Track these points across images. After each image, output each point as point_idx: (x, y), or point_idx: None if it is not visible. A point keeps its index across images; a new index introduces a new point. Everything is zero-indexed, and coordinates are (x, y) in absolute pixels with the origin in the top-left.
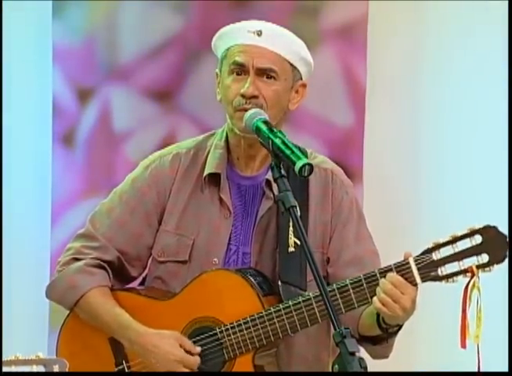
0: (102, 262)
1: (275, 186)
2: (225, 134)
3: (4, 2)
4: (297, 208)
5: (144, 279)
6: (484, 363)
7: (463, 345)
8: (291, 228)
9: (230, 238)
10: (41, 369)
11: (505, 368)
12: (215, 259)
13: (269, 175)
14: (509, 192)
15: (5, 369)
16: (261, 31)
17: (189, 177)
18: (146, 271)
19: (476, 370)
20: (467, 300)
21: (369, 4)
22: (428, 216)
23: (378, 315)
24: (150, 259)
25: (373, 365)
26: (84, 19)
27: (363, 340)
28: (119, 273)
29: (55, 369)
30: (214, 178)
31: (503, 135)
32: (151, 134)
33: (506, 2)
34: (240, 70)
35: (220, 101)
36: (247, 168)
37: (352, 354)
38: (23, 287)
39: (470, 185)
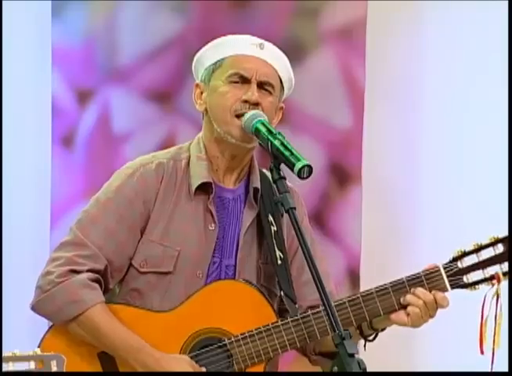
0: (99, 276)
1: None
2: (203, 146)
3: (3, 3)
4: (296, 210)
5: None
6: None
7: (482, 351)
8: (274, 240)
9: (214, 250)
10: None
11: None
12: (199, 272)
13: (257, 184)
14: (509, 192)
15: (2, 366)
16: (263, 45)
17: (172, 187)
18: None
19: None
20: (487, 306)
21: (368, 5)
22: (427, 217)
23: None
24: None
25: (372, 365)
26: (83, 20)
27: (322, 356)
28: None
29: (53, 364)
30: (201, 189)
31: (503, 135)
32: (150, 135)
33: (506, 2)
34: (240, 79)
35: (204, 110)
36: (225, 180)
37: (351, 356)
38: (22, 288)
39: (470, 186)
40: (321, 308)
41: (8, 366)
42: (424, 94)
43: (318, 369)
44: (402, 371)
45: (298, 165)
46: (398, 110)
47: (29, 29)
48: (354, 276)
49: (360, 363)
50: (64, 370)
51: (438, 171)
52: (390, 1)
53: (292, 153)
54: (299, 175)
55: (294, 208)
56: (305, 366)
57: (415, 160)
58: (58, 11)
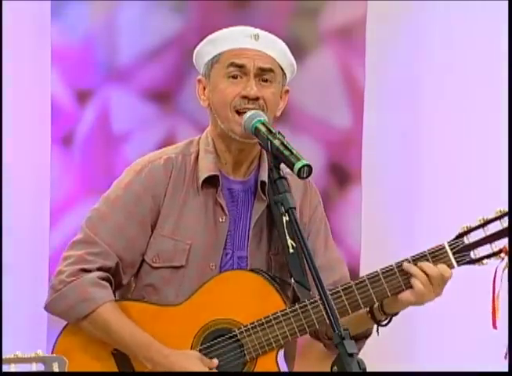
0: (108, 274)
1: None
2: (211, 140)
3: (3, 3)
4: (296, 210)
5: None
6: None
7: (495, 326)
8: (286, 230)
9: (226, 242)
10: (40, 367)
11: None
12: (212, 264)
13: (264, 177)
14: (509, 193)
15: (4, 367)
16: (258, 35)
17: (181, 181)
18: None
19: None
20: (499, 280)
21: (367, 5)
22: (426, 217)
23: (371, 307)
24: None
25: (372, 365)
26: (82, 19)
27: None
28: (113, 281)
29: (55, 366)
30: (209, 182)
31: (503, 136)
32: (150, 135)
33: (506, 2)
34: (238, 73)
35: (208, 106)
36: (235, 172)
37: (351, 355)
38: (22, 287)
39: (469, 186)
40: (328, 292)
41: (9, 368)
42: (424, 94)
43: (318, 368)
44: (403, 371)
45: (298, 165)
46: (398, 110)
47: (28, 28)
48: (354, 276)
49: (360, 362)
50: (66, 370)
51: (438, 171)
52: (389, 1)
53: (292, 153)
54: (299, 174)
55: (294, 208)
56: (306, 364)
57: (414, 160)
58: (57, 11)
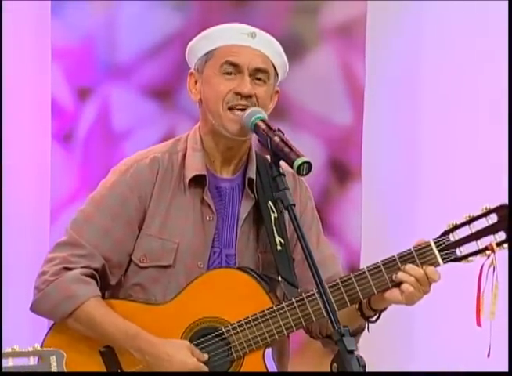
0: (93, 271)
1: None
2: (199, 137)
3: (3, 2)
4: (295, 207)
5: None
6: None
7: (479, 323)
8: (274, 227)
9: (214, 241)
10: (37, 361)
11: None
12: (200, 263)
13: (252, 175)
14: (509, 192)
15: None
16: (255, 33)
17: (168, 180)
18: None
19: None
20: (484, 278)
21: (367, 3)
22: (426, 214)
23: (360, 303)
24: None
25: (372, 364)
26: (83, 17)
27: (327, 340)
28: (100, 282)
29: (53, 360)
30: (196, 181)
31: (503, 134)
32: (150, 132)
33: (506, 2)
34: (233, 70)
35: (199, 101)
36: (223, 170)
37: (351, 352)
38: (22, 286)
39: (469, 184)
40: (315, 291)
41: (7, 362)
42: (424, 91)
43: (317, 365)
44: (402, 371)
45: (298, 162)
46: (398, 107)
47: (29, 27)
48: None
49: (359, 359)
50: (64, 367)
51: (438, 168)
52: (389, 0)
53: (291, 150)
54: (298, 171)
55: (294, 205)
56: (305, 362)
57: (414, 157)
58: (58, 9)
